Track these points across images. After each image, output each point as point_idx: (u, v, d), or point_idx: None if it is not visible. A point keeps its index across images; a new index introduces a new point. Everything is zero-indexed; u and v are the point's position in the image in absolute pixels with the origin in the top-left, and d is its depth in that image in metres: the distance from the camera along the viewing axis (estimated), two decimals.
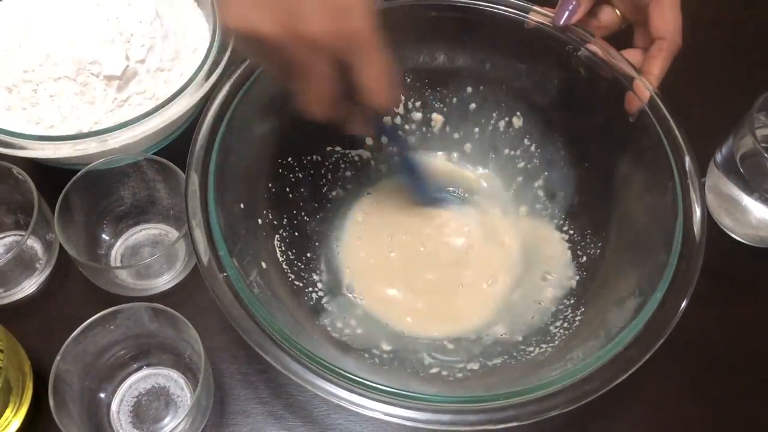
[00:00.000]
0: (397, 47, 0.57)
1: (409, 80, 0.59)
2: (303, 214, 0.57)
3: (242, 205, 0.51)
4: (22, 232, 0.60)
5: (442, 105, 0.61)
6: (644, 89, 0.51)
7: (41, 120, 0.58)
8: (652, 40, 0.52)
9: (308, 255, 0.56)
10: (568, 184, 0.58)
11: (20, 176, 0.55)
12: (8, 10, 0.63)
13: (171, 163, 0.55)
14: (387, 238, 0.58)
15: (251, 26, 0.40)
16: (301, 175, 0.58)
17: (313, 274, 0.55)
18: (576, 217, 0.57)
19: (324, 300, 0.54)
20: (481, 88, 0.59)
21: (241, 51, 0.46)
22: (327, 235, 0.58)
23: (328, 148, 0.59)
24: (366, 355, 0.50)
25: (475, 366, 0.50)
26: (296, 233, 0.56)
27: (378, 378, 0.41)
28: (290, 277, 0.53)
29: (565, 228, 0.57)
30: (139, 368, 0.53)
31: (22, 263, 0.57)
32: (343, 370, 0.41)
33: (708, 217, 0.54)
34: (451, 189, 0.61)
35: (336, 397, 0.40)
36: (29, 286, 0.58)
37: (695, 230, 0.46)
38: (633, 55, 0.54)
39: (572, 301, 0.52)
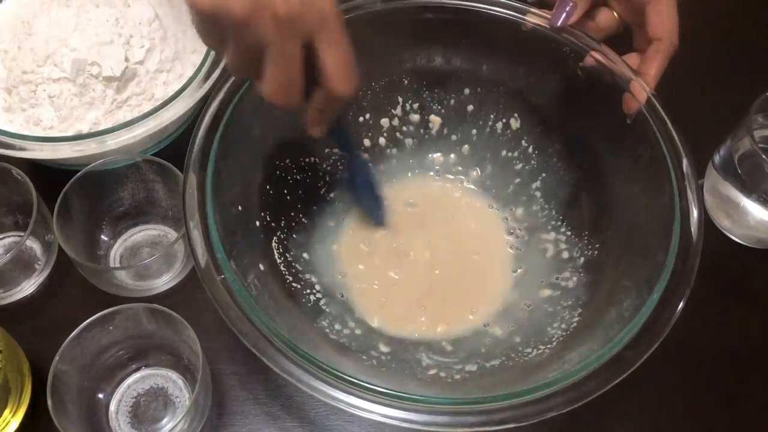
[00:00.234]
0: (395, 49, 0.58)
1: (406, 82, 0.59)
2: (301, 215, 0.57)
3: (240, 207, 0.51)
4: (21, 233, 0.60)
5: (439, 107, 0.61)
6: (641, 90, 0.51)
7: (40, 121, 0.58)
8: (649, 41, 0.52)
9: (306, 257, 0.56)
10: (566, 186, 0.58)
11: (19, 177, 0.55)
12: (8, 11, 0.63)
13: (170, 164, 0.55)
14: (385, 240, 0.59)
15: (220, 6, 0.39)
16: (298, 177, 0.58)
17: (311, 275, 0.55)
18: (573, 219, 0.57)
19: (322, 302, 0.54)
20: (479, 89, 0.59)
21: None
22: (325, 237, 0.58)
23: (326, 150, 0.59)
24: (364, 357, 0.50)
25: (473, 367, 0.50)
26: (294, 235, 0.56)
27: (376, 380, 0.41)
28: (288, 279, 0.53)
29: (562, 229, 0.58)
30: (138, 369, 0.53)
31: (21, 264, 0.57)
32: (340, 372, 0.41)
33: (706, 219, 0.54)
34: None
35: (334, 399, 0.40)
36: (28, 287, 0.58)
37: (692, 231, 0.46)
38: (633, 60, 0.54)
39: (570, 302, 0.52)
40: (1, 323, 0.51)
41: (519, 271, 0.57)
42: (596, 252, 0.54)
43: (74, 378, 0.49)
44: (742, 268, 0.61)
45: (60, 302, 0.58)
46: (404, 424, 0.40)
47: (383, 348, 0.52)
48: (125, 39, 0.59)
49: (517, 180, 0.60)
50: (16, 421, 0.51)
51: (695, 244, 0.46)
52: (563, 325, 0.51)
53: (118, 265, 0.59)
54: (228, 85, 0.51)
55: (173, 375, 0.54)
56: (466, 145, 0.62)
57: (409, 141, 0.62)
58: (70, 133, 0.58)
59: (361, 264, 0.57)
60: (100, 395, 0.52)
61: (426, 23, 0.56)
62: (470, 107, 0.60)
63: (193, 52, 0.63)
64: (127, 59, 0.59)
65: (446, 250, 0.58)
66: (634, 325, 0.43)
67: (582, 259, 0.55)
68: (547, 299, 0.54)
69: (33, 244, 0.58)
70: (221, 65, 0.58)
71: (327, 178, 0.60)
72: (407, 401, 0.40)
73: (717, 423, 0.55)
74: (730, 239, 0.62)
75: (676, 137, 0.50)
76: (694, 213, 0.47)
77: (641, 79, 0.52)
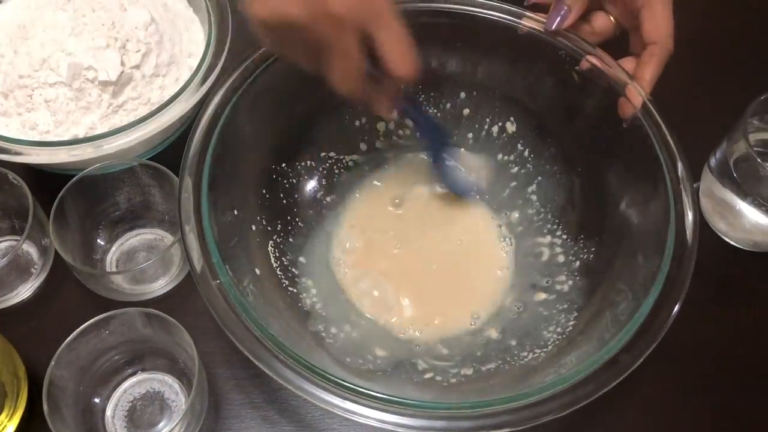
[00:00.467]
0: None
1: (402, 86, 0.59)
2: (297, 220, 0.57)
3: (236, 211, 0.51)
4: (18, 237, 0.60)
5: (435, 110, 0.61)
6: (637, 95, 0.51)
7: (36, 125, 0.58)
8: (643, 45, 0.53)
9: (302, 261, 0.56)
10: (561, 189, 0.58)
11: (15, 181, 0.55)
12: (4, 15, 0.63)
13: (166, 169, 0.55)
14: (381, 243, 0.59)
15: (279, 12, 0.42)
16: (294, 181, 0.58)
17: (307, 279, 0.55)
18: (569, 222, 0.57)
19: (318, 306, 0.54)
20: (475, 93, 0.60)
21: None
22: (321, 241, 0.58)
23: (322, 154, 0.59)
24: (360, 361, 0.50)
25: (469, 371, 0.50)
26: (290, 239, 0.56)
27: (372, 384, 0.41)
28: (284, 283, 0.53)
29: (558, 233, 0.58)
30: (134, 373, 0.53)
31: (18, 268, 0.57)
32: (336, 377, 0.41)
33: (702, 222, 0.54)
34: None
35: (329, 405, 0.40)
36: (24, 291, 0.58)
37: (688, 235, 0.46)
38: (628, 63, 0.54)
39: (565, 306, 0.52)
40: None
41: (514, 274, 0.57)
42: (592, 256, 0.54)
43: (70, 382, 0.49)
44: (738, 271, 0.61)
45: (56, 306, 0.58)
46: (400, 429, 0.40)
47: (379, 352, 0.52)
48: (121, 43, 0.59)
49: (513, 184, 0.60)
50: (12, 425, 0.50)
51: (690, 247, 0.46)
52: (559, 329, 0.51)
53: (114, 269, 0.59)
54: (224, 89, 0.51)
55: (169, 379, 0.53)
56: (462, 149, 0.62)
57: (405, 144, 0.62)
58: (66, 138, 0.58)
59: (357, 267, 0.57)
60: (97, 399, 0.52)
61: (422, 27, 0.55)
62: (466, 111, 0.60)
63: (189, 56, 0.63)
64: (123, 63, 0.59)
65: (442, 253, 0.58)
66: (629, 329, 0.43)
67: (577, 262, 0.55)
68: (543, 303, 0.54)
69: (29, 249, 0.58)
70: (217, 69, 0.58)
71: (323, 182, 0.60)
72: (403, 406, 0.40)
73: (714, 426, 0.55)
74: (726, 242, 0.62)
75: (671, 140, 0.50)
76: (690, 216, 0.47)
77: (636, 83, 0.52)
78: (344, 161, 0.60)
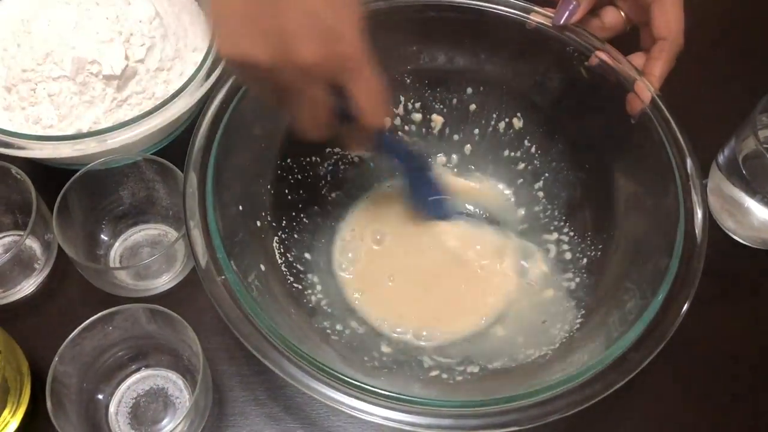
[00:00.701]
0: (397, 48, 0.57)
1: (408, 81, 0.59)
2: (302, 215, 0.57)
3: (241, 207, 0.51)
4: (21, 232, 0.59)
5: (441, 106, 0.60)
6: (646, 90, 0.51)
7: (40, 119, 0.58)
8: (654, 40, 0.52)
9: (307, 257, 0.56)
10: (569, 186, 0.58)
11: (19, 176, 0.55)
12: (7, 9, 0.62)
13: (170, 164, 0.55)
14: (386, 239, 0.58)
15: (244, 53, 0.40)
16: (300, 177, 0.57)
17: (313, 276, 0.55)
18: (576, 219, 0.57)
19: (323, 302, 0.54)
20: (482, 88, 0.59)
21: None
22: (326, 237, 0.58)
23: (328, 150, 0.59)
24: (365, 358, 0.50)
25: (476, 369, 0.49)
26: (295, 235, 0.56)
27: (377, 381, 0.41)
28: (289, 279, 0.53)
29: (565, 230, 0.57)
30: (138, 369, 0.53)
31: (21, 263, 0.57)
32: (341, 374, 0.40)
33: (710, 219, 0.53)
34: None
35: (335, 402, 0.40)
36: (28, 287, 0.58)
37: (697, 232, 0.46)
38: (638, 59, 0.53)
39: (572, 303, 0.52)
40: (1, 323, 0.51)
41: (521, 271, 0.57)
42: (599, 253, 0.54)
43: (74, 378, 0.49)
44: (747, 269, 0.61)
45: (59, 302, 0.58)
46: (406, 427, 0.40)
47: (385, 349, 0.52)
48: (125, 37, 0.59)
49: (520, 180, 0.60)
50: (16, 421, 0.50)
51: (699, 245, 0.45)
52: (566, 327, 0.50)
53: (118, 264, 0.59)
54: (229, 83, 0.51)
55: (173, 376, 0.53)
56: (468, 145, 0.61)
57: (411, 140, 0.61)
58: (69, 132, 0.58)
59: (363, 264, 0.57)
60: (100, 396, 0.52)
61: (428, 21, 0.56)
62: (473, 106, 0.60)
63: (193, 50, 0.63)
64: (127, 57, 0.58)
65: (449, 249, 0.58)
66: (638, 327, 0.43)
67: (585, 260, 0.55)
68: (550, 300, 0.54)
69: (32, 244, 0.58)
70: (222, 64, 0.57)
71: (328, 178, 0.59)
72: (409, 404, 0.40)
73: (723, 425, 0.54)
74: (734, 240, 0.61)
75: (680, 137, 0.49)
76: (699, 214, 0.47)
77: (646, 79, 0.51)
78: (349, 157, 0.60)
